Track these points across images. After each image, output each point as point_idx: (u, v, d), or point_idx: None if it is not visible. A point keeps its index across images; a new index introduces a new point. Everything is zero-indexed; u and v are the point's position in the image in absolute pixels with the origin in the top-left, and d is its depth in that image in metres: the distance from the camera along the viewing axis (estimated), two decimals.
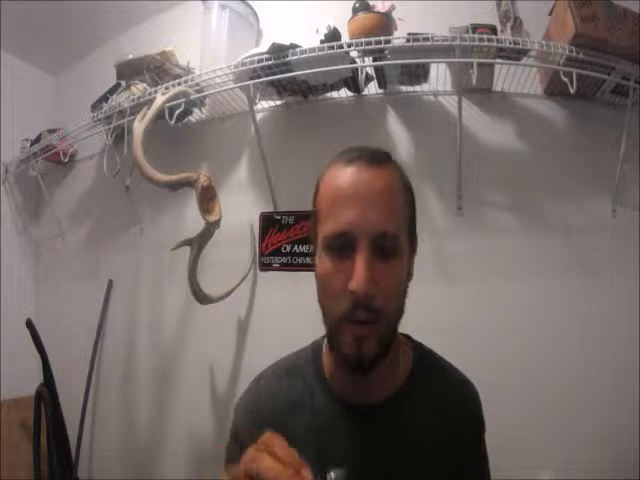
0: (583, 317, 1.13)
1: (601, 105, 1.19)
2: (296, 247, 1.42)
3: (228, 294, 1.32)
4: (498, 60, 1.14)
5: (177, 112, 1.37)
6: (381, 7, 1.24)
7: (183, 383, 1.55)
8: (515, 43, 1.10)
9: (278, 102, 1.49)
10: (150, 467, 1.55)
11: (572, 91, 1.05)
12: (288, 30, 1.44)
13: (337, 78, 1.31)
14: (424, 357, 0.62)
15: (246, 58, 1.26)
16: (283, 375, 0.62)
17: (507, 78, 1.22)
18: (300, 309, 1.30)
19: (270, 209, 1.46)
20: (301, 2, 1.50)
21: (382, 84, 1.34)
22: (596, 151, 1.18)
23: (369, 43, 1.14)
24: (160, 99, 1.31)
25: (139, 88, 1.47)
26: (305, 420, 0.57)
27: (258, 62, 1.23)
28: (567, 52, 1.06)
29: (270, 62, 1.22)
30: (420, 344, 0.64)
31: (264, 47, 1.24)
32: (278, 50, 1.21)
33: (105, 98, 1.60)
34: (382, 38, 1.14)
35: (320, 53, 1.18)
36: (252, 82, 1.27)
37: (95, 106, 1.62)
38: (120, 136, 1.51)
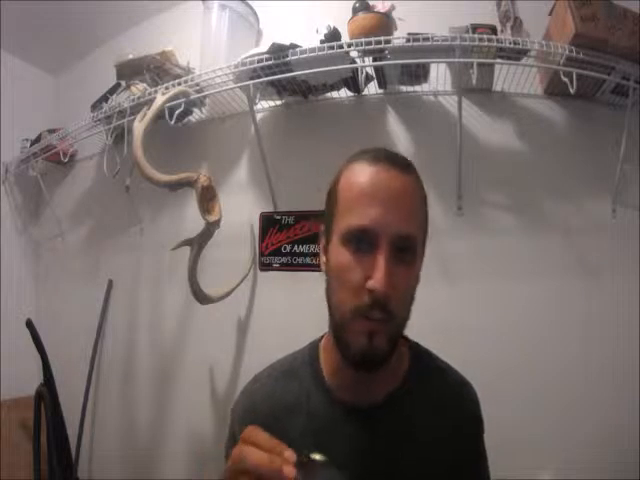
0: (583, 317, 1.13)
1: (601, 105, 1.19)
2: (296, 247, 1.42)
3: (228, 294, 1.32)
4: (498, 60, 1.14)
5: (177, 112, 1.37)
6: (381, 7, 1.24)
7: (183, 383, 1.55)
8: (515, 43, 1.10)
9: (278, 102, 1.49)
10: (150, 467, 1.55)
11: (572, 91, 1.05)
12: (288, 30, 1.44)
13: (337, 78, 1.31)
14: (421, 357, 0.63)
15: (246, 58, 1.26)
16: (279, 377, 0.62)
17: (507, 78, 1.22)
18: (300, 309, 1.31)
19: (270, 209, 1.46)
20: (301, 2, 1.50)
21: (382, 84, 1.34)
22: (596, 151, 1.18)
23: (369, 43, 1.14)
24: (160, 99, 1.31)
25: (139, 88, 1.47)
26: (302, 421, 0.56)
27: (258, 62, 1.23)
28: (567, 52, 1.06)
29: (270, 62, 1.22)
30: (416, 344, 0.64)
31: (264, 47, 1.24)
32: (278, 50, 1.21)
33: (105, 98, 1.60)
34: (382, 38, 1.14)
35: (320, 53, 1.18)
36: (252, 82, 1.27)
37: (95, 106, 1.62)
38: (120, 136, 1.51)
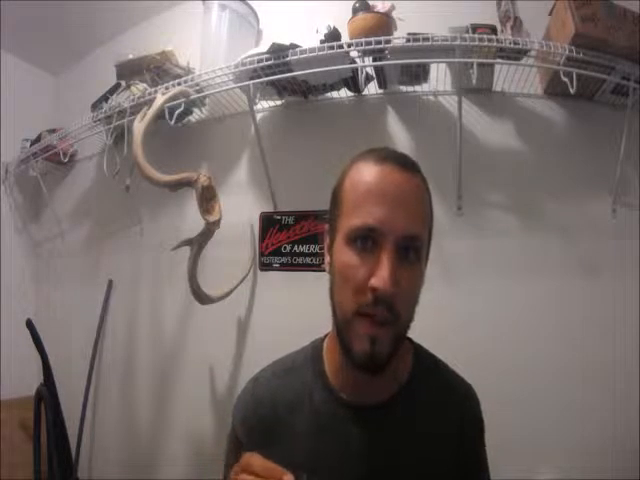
0: (583, 317, 1.13)
1: (601, 105, 1.19)
2: (296, 247, 1.42)
3: (228, 294, 1.32)
4: (498, 60, 1.14)
5: (177, 112, 1.37)
6: (381, 7, 1.24)
7: (183, 383, 1.55)
8: (515, 43, 1.10)
9: (278, 102, 1.49)
10: (150, 467, 1.55)
11: (572, 91, 1.05)
12: (288, 30, 1.43)
13: (337, 78, 1.31)
14: (423, 358, 0.63)
15: (246, 58, 1.26)
16: (281, 375, 0.62)
17: (507, 78, 1.22)
18: (300, 309, 1.31)
19: (270, 209, 1.46)
20: (301, 2, 1.50)
21: (382, 84, 1.34)
22: (596, 151, 1.18)
23: (369, 43, 1.14)
24: (160, 99, 1.31)
25: (139, 88, 1.47)
26: (303, 420, 0.57)
27: (258, 62, 1.23)
28: (567, 52, 1.05)
29: (270, 62, 1.22)
30: (419, 345, 0.64)
31: (264, 47, 1.24)
32: (278, 50, 1.21)
33: (105, 98, 1.60)
34: (382, 38, 1.14)
35: (320, 53, 1.18)
36: (252, 82, 1.27)
37: (95, 106, 1.62)
38: (120, 136, 1.51)
